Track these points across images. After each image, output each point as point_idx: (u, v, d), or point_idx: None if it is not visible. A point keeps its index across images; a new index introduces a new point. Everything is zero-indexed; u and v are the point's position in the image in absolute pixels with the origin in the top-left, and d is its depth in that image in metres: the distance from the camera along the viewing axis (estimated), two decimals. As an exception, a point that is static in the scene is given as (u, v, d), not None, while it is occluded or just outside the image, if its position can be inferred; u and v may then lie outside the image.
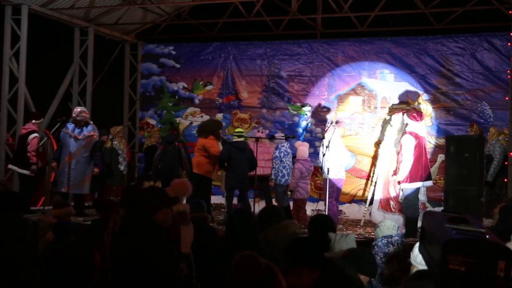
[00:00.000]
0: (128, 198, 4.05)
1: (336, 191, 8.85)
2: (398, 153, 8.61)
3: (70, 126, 9.47)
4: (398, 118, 9.32)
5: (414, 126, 8.32)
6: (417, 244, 3.54)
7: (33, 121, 9.69)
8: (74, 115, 9.55)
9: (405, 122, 8.61)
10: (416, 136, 8.21)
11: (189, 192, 5.39)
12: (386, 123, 10.42)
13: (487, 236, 2.25)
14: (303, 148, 9.26)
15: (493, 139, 9.35)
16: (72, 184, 9.47)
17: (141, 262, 3.33)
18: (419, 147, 8.18)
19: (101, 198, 6.22)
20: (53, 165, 9.53)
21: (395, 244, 5.05)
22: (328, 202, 8.45)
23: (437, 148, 10.64)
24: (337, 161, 8.80)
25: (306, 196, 9.12)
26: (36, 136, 9.54)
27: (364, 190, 10.93)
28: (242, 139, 9.13)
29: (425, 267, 3.42)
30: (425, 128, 8.82)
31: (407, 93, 11.03)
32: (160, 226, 3.53)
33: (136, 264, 3.33)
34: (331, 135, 8.65)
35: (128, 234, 3.47)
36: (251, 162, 8.93)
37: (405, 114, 8.74)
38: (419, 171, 8.16)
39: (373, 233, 7.87)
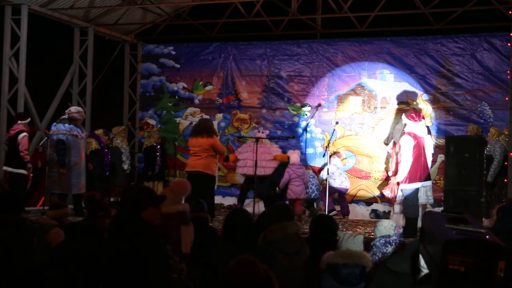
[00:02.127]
0: (127, 198, 4.04)
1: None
2: (397, 154, 8.61)
3: (68, 126, 9.29)
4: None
5: (412, 126, 8.32)
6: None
7: (19, 121, 9.51)
8: (76, 114, 9.36)
9: (403, 123, 8.61)
10: (415, 137, 8.20)
11: (188, 192, 5.37)
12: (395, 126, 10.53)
13: (487, 237, 2.26)
14: (293, 156, 10.05)
15: (493, 140, 9.34)
16: (84, 184, 9.44)
17: (129, 260, 3.32)
18: (418, 148, 8.16)
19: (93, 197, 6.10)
20: (62, 171, 9.11)
21: (393, 243, 5.06)
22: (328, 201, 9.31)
23: (437, 148, 10.63)
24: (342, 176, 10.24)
25: (293, 197, 9.70)
26: (25, 135, 9.32)
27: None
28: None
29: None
30: (425, 128, 8.80)
31: (406, 93, 11.03)
32: (150, 224, 3.52)
33: (124, 262, 3.32)
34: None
35: (117, 232, 3.46)
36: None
37: (403, 114, 8.74)
38: (418, 172, 8.15)
39: (372, 234, 7.89)
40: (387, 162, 10.66)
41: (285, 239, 4.14)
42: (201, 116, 12.16)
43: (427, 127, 9.21)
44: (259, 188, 10.30)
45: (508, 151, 8.75)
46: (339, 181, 10.30)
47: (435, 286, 2.27)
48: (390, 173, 9.74)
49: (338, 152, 10.88)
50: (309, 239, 4.50)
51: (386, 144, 10.46)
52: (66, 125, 9.25)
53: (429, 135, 9.09)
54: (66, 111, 9.55)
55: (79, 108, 9.77)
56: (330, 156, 10.23)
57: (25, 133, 9.34)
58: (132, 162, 11.91)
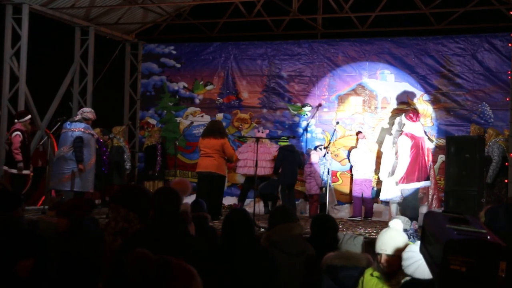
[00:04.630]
0: (131, 199, 4.02)
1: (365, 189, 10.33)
2: (395, 154, 8.63)
3: (85, 125, 9.33)
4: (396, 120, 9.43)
5: (410, 126, 8.32)
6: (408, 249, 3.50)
7: (15, 120, 9.45)
8: (89, 114, 9.41)
9: (402, 123, 8.62)
10: (412, 137, 8.20)
11: (188, 192, 5.38)
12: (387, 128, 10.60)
13: (488, 237, 2.26)
14: (312, 155, 10.77)
15: (491, 141, 9.34)
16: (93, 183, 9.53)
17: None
18: (416, 148, 8.16)
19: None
20: (81, 167, 9.09)
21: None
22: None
23: (438, 149, 10.63)
24: (366, 164, 10.36)
25: (306, 193, 10.75)
26: (18, 134, 9.20)
27: None
28: (287, 143, 10.44)
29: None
30: (422, 128, 8.81)
31: (407, 93, 11.03)
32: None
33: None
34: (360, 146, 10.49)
35: (166, 244, 3.41)
36: (299, 162, 10.49)
37: (402, 114, 8.76)
38: (416, 172, 8.15)
39: (373, 233, 7.89)
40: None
41: (289, 240, 4.14)
42: (202, 116, 12.21)
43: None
44: (264, 186, 10.43)
45: (508, 151, 8.76)
46: (362, 172, 10.31)
47: (436, 286, 2.27)
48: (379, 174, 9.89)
49: (360, 133, 10.76)
50: (310, 239, 4.50)
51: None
52: (81, 124, 9.31)
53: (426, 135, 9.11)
54: (78, 111, 9.65)
55: (91, 109, 9.83)
56: (358, 138, 10.69)
57: (18, 132, 9.23)
58: (133, 161, 11.92)
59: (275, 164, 10.48)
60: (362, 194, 10.29)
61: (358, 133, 10.80)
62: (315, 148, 10.99)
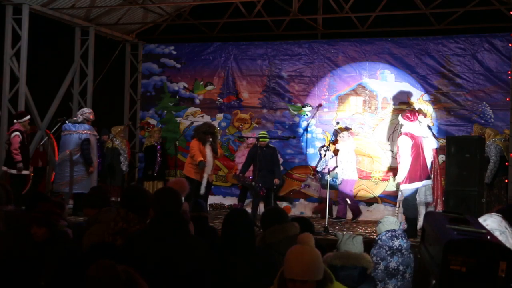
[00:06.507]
0: (130, 199, 4.02)
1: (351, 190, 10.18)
2: (395, 154, 8.62)
3: (88, 126, 9.40)
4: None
5: (409, 126, 8.31)
6: None
7: (14, 121, 9.49)
8: (89, 115, 9.51)
9: (400, 123, 8.61)
10: (412, 136, 8.19)
11: (186, 191, 5.39)
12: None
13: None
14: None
15: (489, 141, 9.33)
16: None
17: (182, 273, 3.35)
18: (416, 147, 8.15)
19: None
20: (92, 169, 9.34)
21: (399, 237, 5.12)
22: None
23: (438, 149, 10.61)
24: (351, 164, 10.10)
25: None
26: (17, 135, 9.22)
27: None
28: (266, 140, 9.67)
29: None
30: (420, 127, 8.79)
31: (407, 93, 11.03)
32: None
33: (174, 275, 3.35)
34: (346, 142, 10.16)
35: (167, 243, 3.42)
36: (272, 161, 9.64)
37: (400, 115, 8.76)
38: (418, 171, 8.15)
39: (373, 233, 7.89)
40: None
41: (285, 241, 4.13)
42: (202, 116, 12.22)
43: (429, 127, 9.20)
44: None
45: (509, 151, 8.76)
46: (349, 172, 10.04)
47: (436, 287, 2.27)
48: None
49: (350, 130, 10.60)
50: None
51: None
52: (86, 125, 9.39)
53: (430, 131, 9.08)
54: (78, 112, 9.71)
55: (91, 109, 9.90)
56: (336, 134, 10.36)
57: (16, 133, 9.25)
58: (133, 162, 11.90)
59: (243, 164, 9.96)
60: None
61: (343, 129, 10.42)
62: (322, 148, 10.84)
